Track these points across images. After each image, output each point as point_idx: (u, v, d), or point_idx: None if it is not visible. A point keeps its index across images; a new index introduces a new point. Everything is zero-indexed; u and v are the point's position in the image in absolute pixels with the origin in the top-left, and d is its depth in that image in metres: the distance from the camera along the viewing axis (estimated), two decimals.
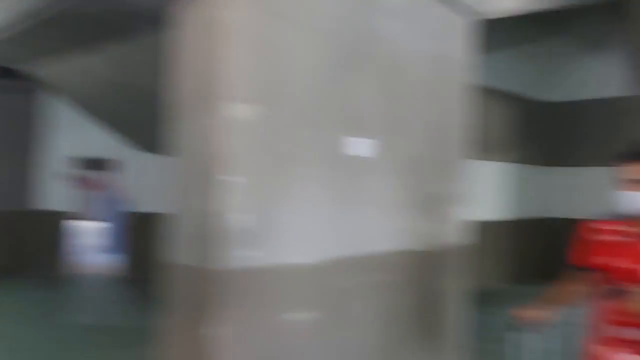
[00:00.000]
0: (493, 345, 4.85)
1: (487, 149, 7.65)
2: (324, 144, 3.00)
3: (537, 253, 8.84)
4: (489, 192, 7.85)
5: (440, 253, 3.74)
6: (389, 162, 3.37)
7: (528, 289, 7.81)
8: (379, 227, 3.30)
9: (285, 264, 2.76)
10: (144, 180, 7.29)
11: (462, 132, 4.00)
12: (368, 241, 3.23)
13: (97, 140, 8.10)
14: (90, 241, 6.26)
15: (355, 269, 3.14)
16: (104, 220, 6.09)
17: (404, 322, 3.46)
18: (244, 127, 2.60)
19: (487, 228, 7.69)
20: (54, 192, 8.49)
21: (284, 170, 2.78)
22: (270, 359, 2.74)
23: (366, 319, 3.20)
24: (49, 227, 8.21)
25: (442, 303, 3.80)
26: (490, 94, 7.83)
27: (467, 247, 4.02)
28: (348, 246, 3.11)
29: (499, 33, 7.77)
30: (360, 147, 3.17)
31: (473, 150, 4.19)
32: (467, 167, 4.06)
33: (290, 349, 2.81)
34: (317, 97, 2.96)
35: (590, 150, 8.72)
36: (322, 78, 2.98)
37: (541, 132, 8.99)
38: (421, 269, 3.59)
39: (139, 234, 6.46)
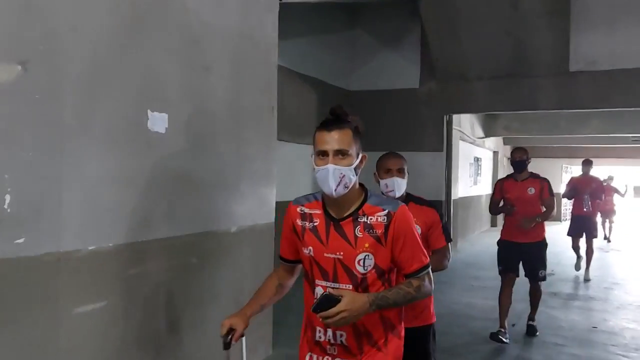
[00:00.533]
0: (297, 318, 5.09)
1: (286, 130, 7.89)
2: (112, 116, 2.70)
3: None
4: (288, 172, 8.11)
5: (242, 233, 3.71)
6: (188, 139, 3.20)
7: None
8: (176, 208, 3.12)
9: (63, 251, 2.42)
10: None
11: (266, 112, 4.01)
12: (163, 223, 3.02)
13: None
14: None
15: (147, 253, 2.92)
16: None
17: (203, 304, 3.36)
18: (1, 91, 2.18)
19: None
20: None
21: (61, 144, 2.42)
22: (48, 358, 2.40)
23: (159, 304, 3.01)
24: None
25: (250, 282, 3.80)
26: (292, 77, 8.07)
27: (270, 227, 4.07)
28: (140, 229, 2.87)
29: (303, 19, 8.05)
30: (155, 122, 2.93)
31: (275, 131, 4.24)
32: (271, 148, 4.09)
33: (73, 344, 2.49)
34: (103, 64, 2.64)
35: (384, 136, 9.61)
36: (108, 43, 2.66)
37: None
38: (222, 250, 3.52)
39: None
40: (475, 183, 13.28)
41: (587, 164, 8.13)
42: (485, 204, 14.72)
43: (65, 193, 2.43)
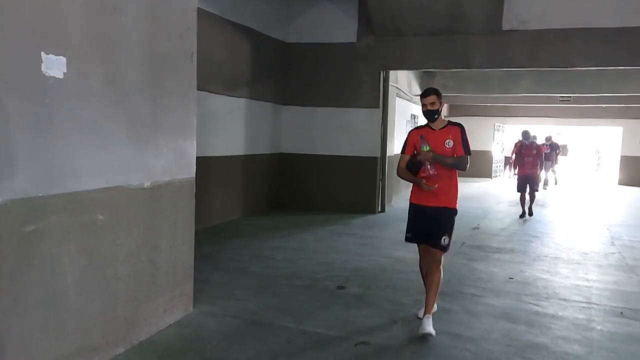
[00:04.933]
0: (222, 276, 5.02)
1: (216, 81, 7.58)
2: (11, 60, 2.43)
3: (267, 187, 9.39)
4: (218, 126, 7.85)
5: (158, 189, 3.53)
6: (93, 85, 2.95)
7: (259, 221, 8.32)
8: (79, 161, 2.89)
9: None
10: None
11: (184, 59, 3.77)
12: (65, 176, 2.80)
13: None
14: None
15: (47, 209, 2.70)
16: None
17: (114, 263, 3.19)
18: None
19: (217, 163, 7.78)
20: None
21: None
22: None
23: (63, 263, 2.83)
24: None
25: (168, 240, 3.66)
26: (222, 25, 7.70)
27: (190, 182, 3.89)
28: (38, 183, 2.64)
29: None
30: (50, 65, 2.66)
31: (200, 81, 4.01)
32: (191, 98, 3.86)
33: None
34: None
35: (321, 91, 9.47)
36: None
37: (274, 70, 9.33)
38: (134, 207, 3.33)
39: None
40: None
41: (425, 95, 3.87)
42: None
43: None
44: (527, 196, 9.63)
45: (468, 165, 3.87)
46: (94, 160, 2.97)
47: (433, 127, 3.93)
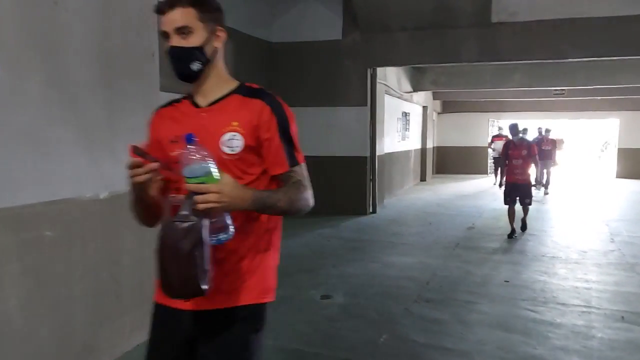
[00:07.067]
0: None
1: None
2: None
3: None
4: None
5: (117, 200, 3.23)
6: (34, 88, 2.66)
7: None
8: (29, 172, 2.61)
9: None
10: None
11: (143, 58, 3.48)
12: (9, 190, 2.51)
13: None
14: None
15: None
16: None
17: (68, 282, 2.91)
18: None
19: None
20: None
21: None
22: None
23: (5, 285, 2.54)
24: None
25: (133, 253, 3.37)
26: None
27: None
28: None
29: None
30: None
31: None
32: (153, 100, 3.57)
33: None
34: None
35: (308, 90, 9.19)
36: None
37: (259, 71, 9.04)
38: (88, 220, 3.04)
39: None
40: (403, 138, 13.21)
41: (163, 9, 1.48)
42: (414, 159, 14.75)
43: None
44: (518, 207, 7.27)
45: (312, 198, 1.55)
46: (36, 171, 2.68)
47: (196, 101, 1.59)
